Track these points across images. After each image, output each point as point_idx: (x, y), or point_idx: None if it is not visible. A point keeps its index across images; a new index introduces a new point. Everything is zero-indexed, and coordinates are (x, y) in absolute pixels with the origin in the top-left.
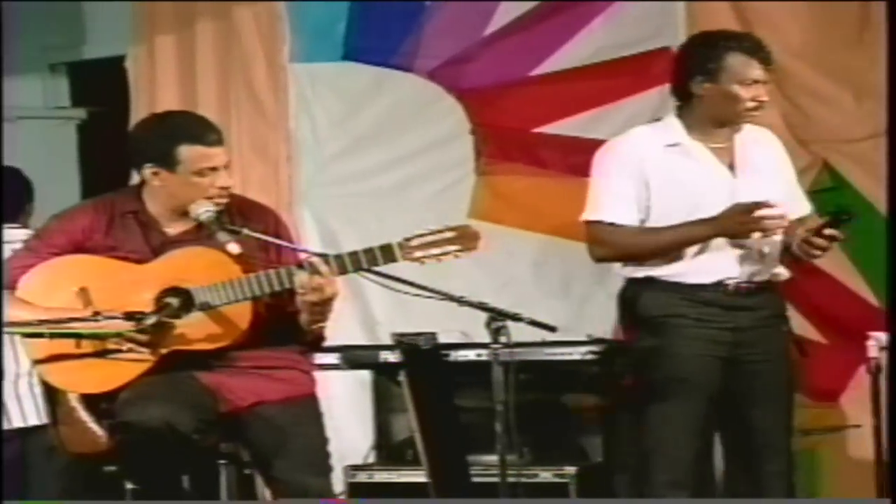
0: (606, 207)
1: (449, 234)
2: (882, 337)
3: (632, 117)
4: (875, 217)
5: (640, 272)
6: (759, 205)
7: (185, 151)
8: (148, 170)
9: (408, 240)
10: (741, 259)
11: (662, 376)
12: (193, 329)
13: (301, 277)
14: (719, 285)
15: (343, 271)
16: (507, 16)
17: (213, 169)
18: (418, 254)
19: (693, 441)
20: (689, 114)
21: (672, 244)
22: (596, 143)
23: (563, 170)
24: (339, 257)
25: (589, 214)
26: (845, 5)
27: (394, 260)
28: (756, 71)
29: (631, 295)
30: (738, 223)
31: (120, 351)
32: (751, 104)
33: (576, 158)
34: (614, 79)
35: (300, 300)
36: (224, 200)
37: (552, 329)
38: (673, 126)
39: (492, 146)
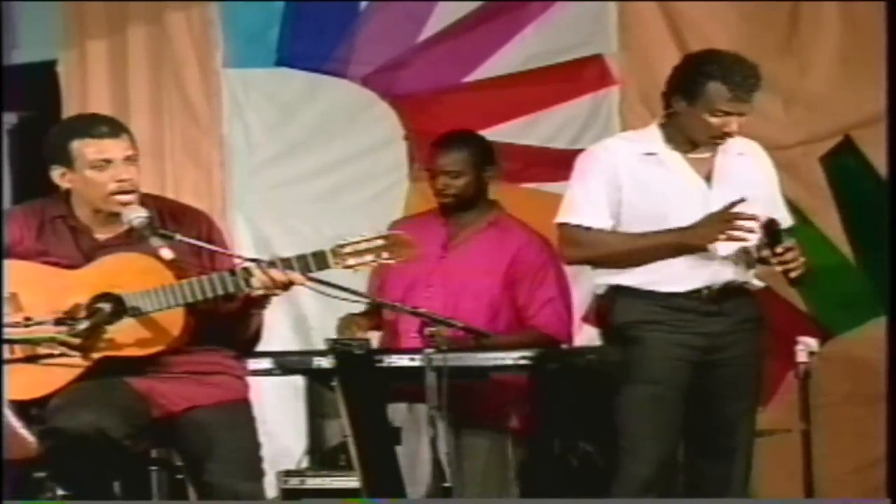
0: (579, 210)
1: (381, 242)
2: (810, 342)
3: (564, 124)
4: (803, 223)
5: (615, 279)
6: (730, 212)
7: (77, 146)
8: (56, 172)
9: (341, 246)
10: (716, 267)
11: (637, 380)
12: (126, 335)
13: (261, 276)
14: (693, 293)
15: (249, 286)
16: (440, 23)
17: (108, 161)
18: (351, 261)
19: (665, 443)
20: (670, 126)
21: (642, 249)
22: (528, 150)
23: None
24: (271, 263)
25: (562, 217)
26: (774, 13)
27: (327, 266)
28: (729, 104)
29: (607, 301)
30: (708, 229)
31: (50, 356)
32: (716, 132)
33: (509, 164)
34: (546, 85)
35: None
36: (128, 196)
37: (485, 334)
38: (652, 135)
39: (425, 152)
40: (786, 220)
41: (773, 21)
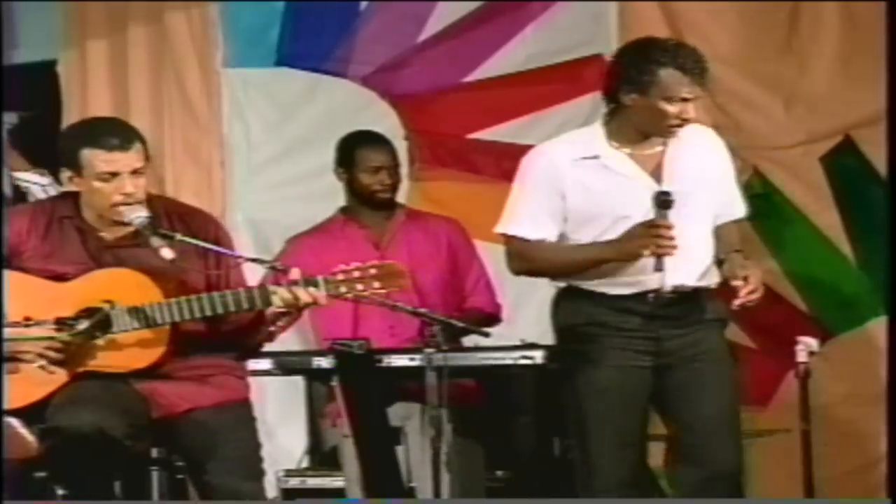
0: (518, 221)
1: (374, 271)
2: (810, 342)
3: (564, 123)
4: (804, 223)
5: (564, 282)
6: (653, 223)
7: (87, 155)
8: (65, 174)
9: (333, 274)
10: (672, 272)
11: (583, 385)
12: (109, 350)
13: (284, 295)
14: (640, 296)
15: (267, 305)
16: (441, 22)
17: (115, 174)
18: (343, 288)
19: (617, 450)
20: (616, 122)
21: (578, 262)
22: (529, 149)
23: (496, 175)
24: (262, 288)
25: (502, 226)
26: (774, 13)
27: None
28: (686, 88)
29: (557, 304)
30: (632, 243)
31: (20, 360)
32: (675, 121)
33: (509, 164)
34: (547, 85)
35: (272, 312)
36: (131, 207)
37: (485, 334)
38: (595, 135)
39: (425, 152)
40: (740, 210)
41: (773, 21)
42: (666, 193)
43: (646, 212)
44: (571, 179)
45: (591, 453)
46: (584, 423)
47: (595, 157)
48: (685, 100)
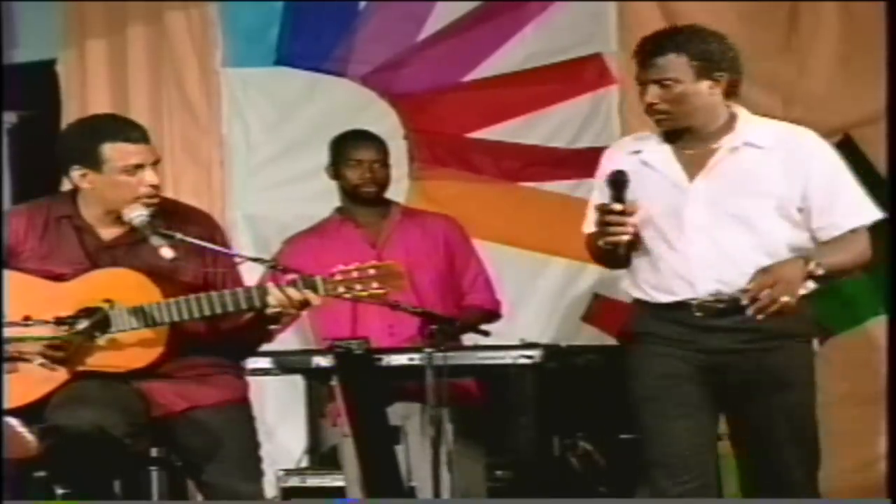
0: (587, 218)
1: (373, 272)
2: None
3: (563, 123)
4: None
5: (627, 289)
6: (601, 208)
7: (109, 150)
8: (76, 172)
9: (332, 275)
10: (704, 278)
11: (636, 391)
12: (106, 350)
13: (278, 294)
14: (682, 306)
15: (265, 304)
16: (440, 22)
17: (139, 166)
18: (341, 289)
19: (668, 455)
20: None
21: (596, 247)
22: (527, 149)
23: (495, 175)
24: (261, 289)
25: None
26: (774, 12)
27: (316, 294)
28: (639, 73)
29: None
30: (598, 229)
31: (21, 359)
32: (645, 106)
33: (508, 163)
34: (546, 85)
35: (270, 312)
36: (154, 200)
37: (485, 333)
38: (652, 132)
39: (425, 151)
40: (847, 219)
41: (772, 21)
42: (620, 173)
43: (668, 209)
44: None
45: (647, 459)
46: (636, 426)
47: (637, 153)
48: (642, 83)
